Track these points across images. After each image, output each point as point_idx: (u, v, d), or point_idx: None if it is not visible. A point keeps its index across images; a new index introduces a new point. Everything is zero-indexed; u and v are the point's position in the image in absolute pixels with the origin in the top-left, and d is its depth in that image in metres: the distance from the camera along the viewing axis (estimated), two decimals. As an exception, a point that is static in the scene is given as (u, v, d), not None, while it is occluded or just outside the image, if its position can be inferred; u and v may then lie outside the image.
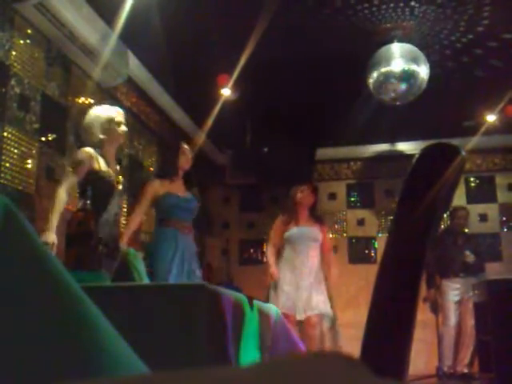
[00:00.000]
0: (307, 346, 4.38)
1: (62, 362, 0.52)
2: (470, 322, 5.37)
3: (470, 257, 5.42)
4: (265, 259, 6.98)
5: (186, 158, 3.99)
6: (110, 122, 3.20)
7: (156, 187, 3.90)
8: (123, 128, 3.26)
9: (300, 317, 4.56)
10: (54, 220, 2.85)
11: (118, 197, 3.23)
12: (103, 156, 3.15)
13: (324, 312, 4.62)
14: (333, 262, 4.94)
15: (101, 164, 3.11)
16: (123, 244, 3.40)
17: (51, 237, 2.78)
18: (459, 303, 5.47)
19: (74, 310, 0.54)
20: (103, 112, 3.23)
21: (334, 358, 0.34)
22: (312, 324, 4.58)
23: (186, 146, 4.05)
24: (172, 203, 3.83)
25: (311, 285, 4.63)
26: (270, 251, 4.88)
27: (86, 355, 0.53)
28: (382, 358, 0.94)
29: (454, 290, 5.46)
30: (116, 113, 3.25)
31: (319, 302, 4.59)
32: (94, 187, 3.04)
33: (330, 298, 4.78)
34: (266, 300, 4.66)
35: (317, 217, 4.98)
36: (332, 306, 4.77)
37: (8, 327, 0.52)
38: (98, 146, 3.16)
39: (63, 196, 2.93)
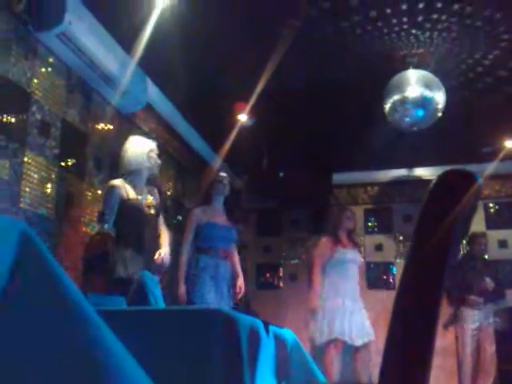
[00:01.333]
0: (359, 371, 4.36)
1: (77, 381, 0.52)
2: (490, 349, 5.25)
3: (490, 284, 5.33)
4: (281, 283, 6.94)
5: (224, 185, 4.14)
6: (150, 152, 3.47)
7: (199, 215, 4.03)
8: (158, 160, 3.53)
9: (358, 343, 4.49)
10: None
11: (151, 224, 3.39)
12: (134, 186, 3.33)
13: (373, 337, 4.57)
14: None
15: (129, 193, 3.27)
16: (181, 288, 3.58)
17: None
18: (478, 330, 5.36)
19: (88, 333, 0.55)
20: (142, 143, 3.51)
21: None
22: (369, 350, 4.54)
23: (223, 174, 4.21)
24: (214, 233, 3.96)
25: (361, 310, 4.60)
26: (316, 275, 4.77)
27: (100, 379, 0.53)
28: (401, 379, 0.92)
29: (472, 317, 5.36)
30: (154, 145, 3.55)
31: (370, 327, 4.57)
32: (122, 214, 3.17)
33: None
34: (307, 324, 4.64)
35: (355, 241, 5.00)
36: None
37: (25, 352, 0.52)
38: (131, 175, 3.32)
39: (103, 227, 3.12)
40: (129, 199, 3.27)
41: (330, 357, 4.52)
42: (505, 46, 4.09)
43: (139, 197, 3.35)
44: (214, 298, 3.82)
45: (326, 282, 4.73)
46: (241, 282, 4.24)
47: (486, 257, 5.84)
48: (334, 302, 4.60)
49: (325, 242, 4.89)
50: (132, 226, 3.21)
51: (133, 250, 3.18)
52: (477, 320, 5.33)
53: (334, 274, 4.71)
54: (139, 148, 3.46)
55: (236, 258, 4.33)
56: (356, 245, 4.99)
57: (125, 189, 3.31)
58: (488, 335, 5.27)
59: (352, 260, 4.78)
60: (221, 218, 4.12)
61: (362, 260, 4.93)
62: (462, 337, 5.38)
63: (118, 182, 3.38)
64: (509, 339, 4.87)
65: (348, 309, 4.57)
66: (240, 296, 4.22)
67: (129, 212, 3.24)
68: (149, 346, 1.42)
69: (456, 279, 5.25)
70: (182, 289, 3.84)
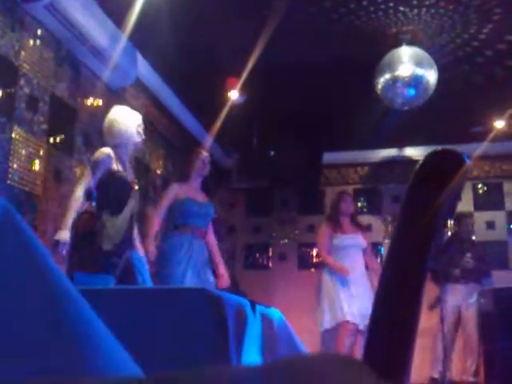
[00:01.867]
0: (358, 355, 4.38)
1: (55, 360, 0.52)
2: (474, 328, 5.33)
3: (469, 262, 5.40)
4: (270, 263, 6.97)
5: (204, 164, 4.05)
6: (138, 126, 3.26)
7: (176, 191, 3.95)
8: (142, 134, 3.32)
9: (360, 326, 4.50)
10: (69, 218, 2.86)
11: (135, 198, 3.23)
12: (120, 158, 3.18)
13: None
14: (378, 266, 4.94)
15: (118, 165, 3.14)
16: (150, 246, 3.48)
17: (64, 235, 2.80)
18: (460, 309, 5.43)
19: (66, 309, 0.54)
20: (132, 116, 3.29)
21: (336, 359, 0.34)
22: None
23: (204, 153, 4.13)
24: (191, 209, 3.87)
25: (366, 293, 4.61)
26: (329, 256, 4.75)
27: (79, 355, 0.52)
28: (384, 361, 0.93)
29: (454, 291, 5.42)
30: (140, 118, 3.33)
31: None
32: (112, 188, 3.05)
33: None
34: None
35: (358, 224, 4.97)
36: None
37: (2, 326, 0.51)
38: (117, 148, 3.18)
39: (79, 195, 2.94)
40: (118, 171, 3.12)
41: (341, 339, 4.56)
42: (496, 23, 4.07)
43: (124, 171, 3.18)
44: (190, 278, 3.73)
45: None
46: (222, 270, 4.07)
47: (474, 238, 5.90)
48: (337, 287, 4.63)
49: (323, 228, 4.91)
50: (120, 201, 3.07)
51: (115, 220, 3.04)
52: (459, 295, 5.39)
53: (336, 260, 4.74)
54: (130, 121, 3.24)
55: (212, 238, 4.16)
56: (360, 228, 4.95)
57: (114, 159, 3.16)
58: (470, 316, 5.35)
59: (351, 245, 4.77)
60: (199, 196, 4.06)
61: (365, 243, 4.88)
62: (443, 312, 5.45)
63: (108, 150, 3.14)
64: (493, 320, 4.93)
65: (352, 293, 4.60)
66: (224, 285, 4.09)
67: (117, 185, 3.08)
68: (134, 325, 1.42)
69: (442, 259, 5.30)
70: None
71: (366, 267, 4.90)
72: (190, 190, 4.00)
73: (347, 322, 4.52)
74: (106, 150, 3.13)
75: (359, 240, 4.83)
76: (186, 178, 4.08)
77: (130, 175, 3.25)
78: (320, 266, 5.12)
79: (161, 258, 3.75)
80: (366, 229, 5.11)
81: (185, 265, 3.72)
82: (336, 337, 4.61)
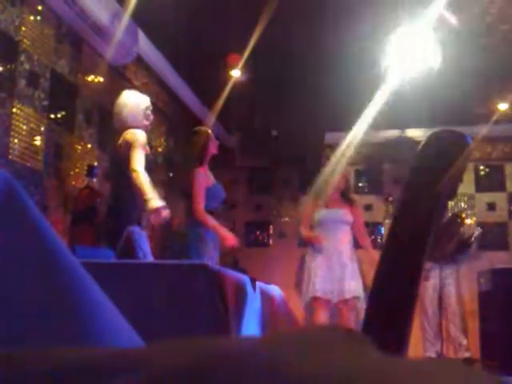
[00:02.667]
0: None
1: (57, 332, 0.52)
2: (457, 306, 5.47)
3: (451, 245, 5.49)
4: (270, 241, 7.00)
5: (214, 144, 4.05)
6: (146, 108, 3.38)
7: (206, 176, 3.95)
8: (151, 116, 3.44)
9: (336, 300, 4.56)
10: (154, 190, 2.98)
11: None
12: None
13: (359, 295, 4.62)
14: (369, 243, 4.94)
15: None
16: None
17: (160, 203, 2.94)
18: (439, 287, 5.51)
19: (70, 282, 0.55)
20: (140, 99, 3.40)
21: (335, 331, 0.34)
22: (349, 307, 4.60)
23: (211, 132, 4.15)
24: (220, 194, 3.92)
25: (345, 268, 4.62)
26: (305, 229, 4.80)
27: (82, 327, 0.53)
28: (383, 334, 0.94)
29: (433, 275, 5.50)
30: (149, 101, 3.45)
31: (355, 285, 4.60)
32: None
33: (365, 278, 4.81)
34: (297, 284, 4.69)
35: (347, 199, 4.92)
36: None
37: (4, 299, 0.52)
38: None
39: (143, 171, 3.05)
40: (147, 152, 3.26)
41: (316, 313, 4.62)
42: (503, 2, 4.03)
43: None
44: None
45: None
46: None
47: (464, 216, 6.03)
48: (317, 263, 4.67)
49: (308, 202, 4.92)
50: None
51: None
52: (438, 275, 5.45)
53: (319, 234, 4.75)
54: (138, 104, 3.35)
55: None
56: (348, 203, 4.91)
57: None
58: (451, 294, 5.47)
59: (333, 220, 4.76)
60: (212, 178, 4.08)
61: (351, 218, 4.85)
62: (424, 287, 5.51)
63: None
64: (491, 299, 4.97)
65: (329, 267, 4.62)
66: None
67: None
68: (135, 299, 1.43)
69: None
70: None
71: (359, 245, 4.92)
72: (208, 174, 4.02)
73: (318, 297, 4.56)
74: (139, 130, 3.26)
75: (343, 215, 4.79)
76: (203, 162, 4.02)
77: None
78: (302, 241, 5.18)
79: (200, 241, 3.78)
80: (355, 204, 5.04)
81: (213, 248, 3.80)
82: (312, 311, 4.68)
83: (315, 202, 4.82)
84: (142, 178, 2.99)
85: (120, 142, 3.23)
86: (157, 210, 2.92)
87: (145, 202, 2.92)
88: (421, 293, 5.38)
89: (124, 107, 3.33)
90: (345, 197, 4.90)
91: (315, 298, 4.61)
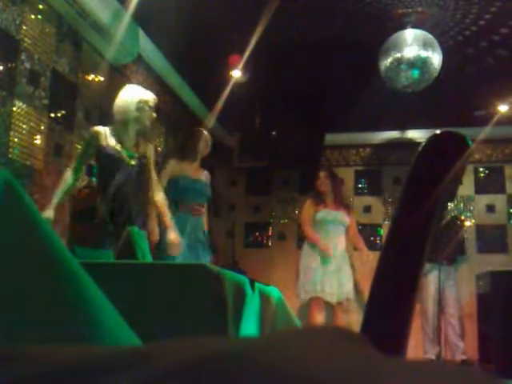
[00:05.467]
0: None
1: (57, 332, 0.52)
2: (455, 309, 5.48)
3: (451, 246, 5.52)
4: (269, 242, 7.00)
5: (205, 144, 4.13)
6: (141, 102, 3.21)
7: (173, 167, 4.03)
8: (152, 113, 3.28)
9: (332, 300, 4.61)
10: (55, 198, 2.93)
11: (125, 174, 3.18)
12: (117, 135, 3.15)
13: (352, 297, 4.68)
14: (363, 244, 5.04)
15: (109, 140, 3.11)
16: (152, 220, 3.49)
17: (48, 213, 2.88)
18: (440, 290, 5.51)
19: (69, 281, 0.55)
20: (132, 92, 3.27)
21: (334, 332, 0.34)
22: (344, 309, 4.64)
23: (206, 133, 4.20)
24: (186, 185, 3.93)
25: (341, 269, 4.68)
26: (310, 230, 4.88)
27: (79, 326, 0.53)
28: (382, 334, 0.94)
29: (434, 277, 5.51)
30: (149, 95, 3.28)
31: (349, 287, 4.66)
32: (100, 163, 3.08)
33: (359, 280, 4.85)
34: (295, 284, 4.74)
35: (342, 202, 5.06)
36: (362, 288, 4.87)
37: (4, 298, 0.52)
38: (118, 124, 3.19)
39: (69, 174, 3.00)
40: (106, 147, 3.09)
41: (312, 313, 4.65)
42: (500, 6, 4.02)
43: (119, 147, 3.13)
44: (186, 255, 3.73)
45: (309, 242, 4.87)
46: None
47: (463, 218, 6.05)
48: (315, 262, 4.71)
49: (308, 204, 5.03)
50: (106, 176, 3.05)
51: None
52: (438, 276, 5.47)
53: (318, 235, 4.82)
54: (128, 96, 3.19)
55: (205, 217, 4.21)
56: (343, 207, 5.04)
57: (105, 136, 3.12)
58: (451, 297, 5.47)
59: (333, 221, 4.85)
60: (198, 174, 4.13)
61: (348, 220, 4.95)
62: (423, 288, 5.52)
63: (98, 127, 3.19)
64: (489, 301, 4.97)
65: (329, 269, 4.66)
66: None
67: (104, 161, 3.08)
68: (134, 300, 1.43)
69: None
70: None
71: (354, 248, 5.02)
72: (188, 168, 4.07)
73: (318, 297, 4.59)
74: (96, 127, 3.20)
75: (341, 217, 4.90)
76: (185, 156, 4.15)
77: (130, 152, 3.23)
78: (302, 239, 5.23)
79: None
80: (350, 208, 5.22)
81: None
82: (308, 311, 4.71)
83: (315, 204, 4.91)
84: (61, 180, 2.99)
85: None
86: (177, 244, 2.95)
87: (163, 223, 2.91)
88: (421, 294, 5.39)
89: (116, 100, 3.25)
90: (339, 199, 5.03)
91: (314, 298, 4.63)
